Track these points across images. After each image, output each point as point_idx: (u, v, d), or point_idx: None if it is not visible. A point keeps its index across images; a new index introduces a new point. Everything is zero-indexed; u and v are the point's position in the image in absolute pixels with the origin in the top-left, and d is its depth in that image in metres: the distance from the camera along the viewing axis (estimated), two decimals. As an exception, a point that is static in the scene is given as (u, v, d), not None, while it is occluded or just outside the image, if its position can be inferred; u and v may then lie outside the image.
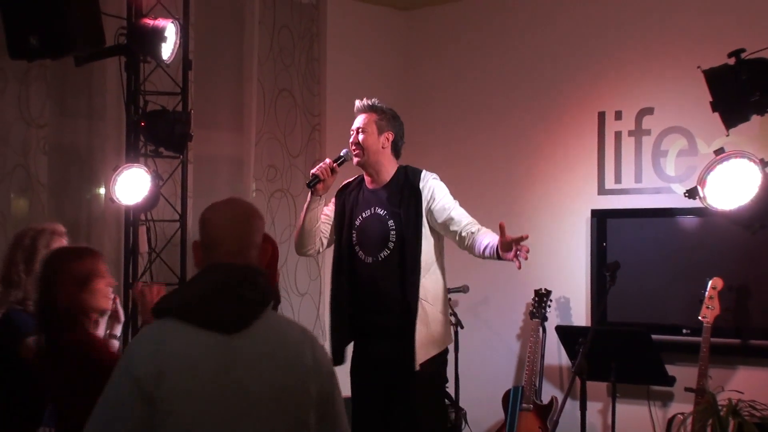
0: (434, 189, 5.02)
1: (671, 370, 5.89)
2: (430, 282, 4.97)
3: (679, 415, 5.60)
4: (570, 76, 6.88)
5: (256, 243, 2.92)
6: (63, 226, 4.64)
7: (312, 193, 5.03)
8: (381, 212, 5.03)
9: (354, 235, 5.07)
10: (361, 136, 5.05)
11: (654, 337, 5.85)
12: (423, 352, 4.88)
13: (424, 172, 5.09)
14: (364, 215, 5.07)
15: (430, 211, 4.99)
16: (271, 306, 2.86)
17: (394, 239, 4.95)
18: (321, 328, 6.85)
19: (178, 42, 5.54)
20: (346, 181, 5.25)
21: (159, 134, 5.58)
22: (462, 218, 4.98)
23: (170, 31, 5.48)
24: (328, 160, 5.05)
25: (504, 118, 7.20)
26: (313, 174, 5.01)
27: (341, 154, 5.10)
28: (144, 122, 5.54)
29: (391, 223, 4.98)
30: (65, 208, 6.11)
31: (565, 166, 6.87)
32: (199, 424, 2.68)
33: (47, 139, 5.93)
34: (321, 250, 5.24)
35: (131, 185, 5.43)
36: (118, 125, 5.99)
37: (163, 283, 4.48)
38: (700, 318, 5.67)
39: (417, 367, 4.86)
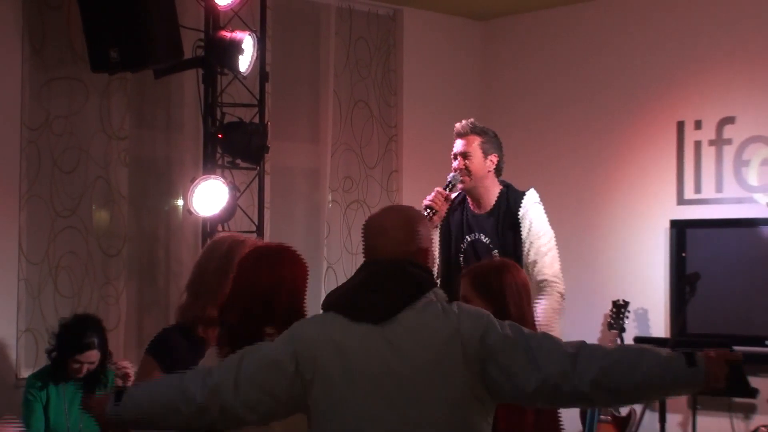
0: (532, 222, 4.93)
1: (754, 381, 5.78)
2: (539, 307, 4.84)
3: (762, 428, 5.53)
4: (648, 86, 6.80)
5: (413, 251, 3.00)
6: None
7: None
8: (485, 240, 4.99)
9: (461, 257, 5.03)
10: (467, 161, 4.98)
11: (735, 348, 5.75)
12: None
13: (525, 198, 4.98)
14: (468, 238, 5.03)
15: (527, 243, 4.92)
16: (430, 295, 2.92)
17: None
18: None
19: (255, 54, 5.59)
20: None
21: (236, 146, 5.62)
22: (544, 270, 4.88)
23: (247, 43, 5.53)
24: (438, 189, 4.94)
25: (582, 128, 7.14)
26: (426, 206, 4.90)
27: (449, 179, 5.00)
28: (221, 134, 5.59)
29: (495, 252, 4.92)
30: (144, 219, 6.19)
31: (644, 175, 6.78)
32: (348, 404, 2.88)
33: (127, 151, 6.02)
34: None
35: (208, 197, 5.47)
36: (196, 137, 6.06)
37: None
38: (783, 329, 5.58)
39: None
